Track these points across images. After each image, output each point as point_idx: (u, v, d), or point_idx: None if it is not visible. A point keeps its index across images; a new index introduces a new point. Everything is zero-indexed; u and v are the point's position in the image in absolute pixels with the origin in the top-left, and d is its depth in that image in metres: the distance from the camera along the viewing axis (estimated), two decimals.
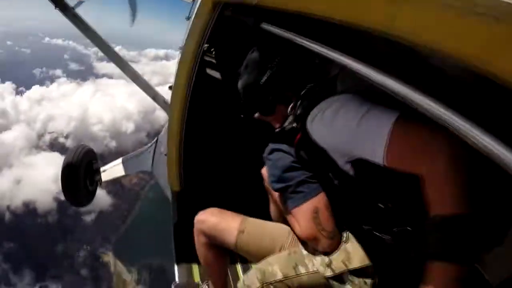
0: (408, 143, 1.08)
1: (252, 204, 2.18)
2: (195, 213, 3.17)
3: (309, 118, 1.45)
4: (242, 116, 3.97)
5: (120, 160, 5.84)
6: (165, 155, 3.40)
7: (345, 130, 1.27)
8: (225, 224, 1.95)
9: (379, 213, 1.38)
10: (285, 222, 1.91)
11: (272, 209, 2.31)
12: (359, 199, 1.46)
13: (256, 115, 1.90)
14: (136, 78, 4.48)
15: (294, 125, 1.60)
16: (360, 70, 1.01)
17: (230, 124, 3.95)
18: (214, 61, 5.16)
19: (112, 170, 5.73)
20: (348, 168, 1.36)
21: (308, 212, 1.52)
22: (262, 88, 1.69)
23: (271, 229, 1.94)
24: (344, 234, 1.58)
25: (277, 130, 1.76)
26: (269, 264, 1.70)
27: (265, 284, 1.65)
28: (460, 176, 0.95)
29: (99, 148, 56.28)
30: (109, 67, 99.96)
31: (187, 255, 2.83)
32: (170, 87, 3.55)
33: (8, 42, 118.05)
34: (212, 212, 2.05)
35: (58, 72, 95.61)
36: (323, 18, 1.01)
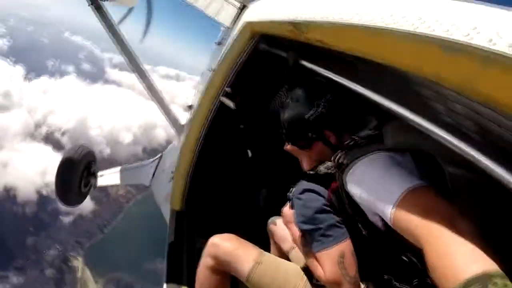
0: (413, 211, 1.08)
1: (249, 237, 2.14)
2: (192, 235, 3.17)
3: (348, 170, 1.47)
4: (249, 152, 4.02)
5: (118, 168, 5.78)
6: (172, 172, 3.40)
7: (369, 187, 1.33)
8: (242, 252, 1.90)
9: (401, 265, 1.40)
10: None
11: (273, 250, 2.26)
12: (384, 250, 1.47)
13: (288, 147, 1.93)
14: (152, 90, 4.50)
15: (332, 171, 1.62)
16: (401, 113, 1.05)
17: (240, 156, 3.98)
18: (229, 90, 5.22)
19: (109, 176, 5.65)
20: (376, 219, 1.39)
21: (334, 256, 1.51)
22: (307, 123, 1.71)
23: (286, 267, 1.90)
24: (364, 283, 1.57)
25: (309, 171, 1.77)
26: None
27: None
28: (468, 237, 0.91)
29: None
30: (120, 75, 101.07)
31: (178, 275, 2.78)
32: (188, 107, 3.57)
33: (29, 28, 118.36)
34: (229, 237, 2.00)
35: (70, 68, 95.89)
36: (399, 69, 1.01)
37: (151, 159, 5.26)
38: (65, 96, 75.93)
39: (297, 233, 1.76)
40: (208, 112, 2.77)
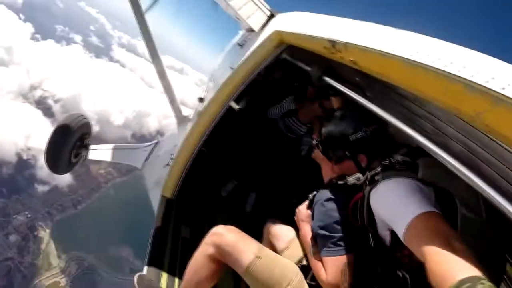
0: (423, 231, 1.23)
1: None
2: (179, 223, 3.23)
3: (375, 186, 1.57)
4: (246, 155, 4.08)
5: (111, 146, 5.77)
6: (171, 158, 3.46)
7: (391, 204, 1.46)
8: (243, 244, 1.98)
9: (394, 279, 1.52)
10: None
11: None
12: (383, 262, 1.60)
13: (315, 154, 2.09)
14: (162, 76, 4.46)
15: (359, 183, 1.77)
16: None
17: (238, 157, 4.06)
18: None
19: (101, 152, 5.63)
20: (385, 234, 1.54)
21: (340, 264, 1.69)
22: (347, 143, 1.84)
23: (283, 263, 1.99)
24: None
25: (339, 181, 1.89)
26: None
27: None
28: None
29: None
30: (126, 56, 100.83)
31: (159, 260, 2.83)
32: (199, 99, 3.59)
33: None
34: (232, 229, 2.07)
35: (78, 38, 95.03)
36: (417, 95, 1.21)
37: (146, 144, 5.29)
38: (67, 64, 75.22)
39: (309, 233, 1.94)
40: (220, 109, 2.84)
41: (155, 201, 3.55)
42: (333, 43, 1.64)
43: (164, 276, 2.73)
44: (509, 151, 0.93)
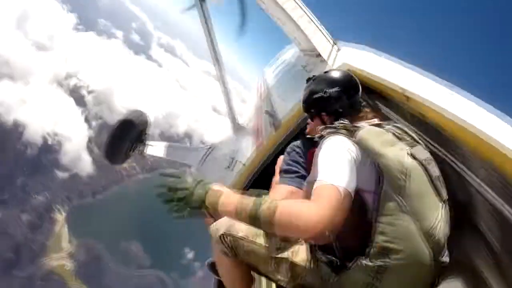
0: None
1: None
2: None
3: (320, 142, 1.81)
4: None
5: (164, 143, 6.17)
6: (237, 163, 3.75)
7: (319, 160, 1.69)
8: None
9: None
10: None
11: None
12: None
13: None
14: (223, 81, 4.61)
15: (317, 139, 1.93)
16: None
17: None
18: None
19: (157, 148, 6.02)
20: None
21: (285, 192, 2.34)
22: (312, 101, 2.18)
23: None
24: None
25: (308, 135, 2.35)
26: None
27: (226, 234, 1.94)
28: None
29: (109, 121, 53.51)
30: (164, 56, 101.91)
31: None
32: (267, 112, 3.84)
33: None
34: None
35: (119, 33, 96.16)
36: None
37: (202, 146, 5.65)
38: (105, 57, 76.83)
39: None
40: (294, 126, 3.15)
41: None
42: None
43: None
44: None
